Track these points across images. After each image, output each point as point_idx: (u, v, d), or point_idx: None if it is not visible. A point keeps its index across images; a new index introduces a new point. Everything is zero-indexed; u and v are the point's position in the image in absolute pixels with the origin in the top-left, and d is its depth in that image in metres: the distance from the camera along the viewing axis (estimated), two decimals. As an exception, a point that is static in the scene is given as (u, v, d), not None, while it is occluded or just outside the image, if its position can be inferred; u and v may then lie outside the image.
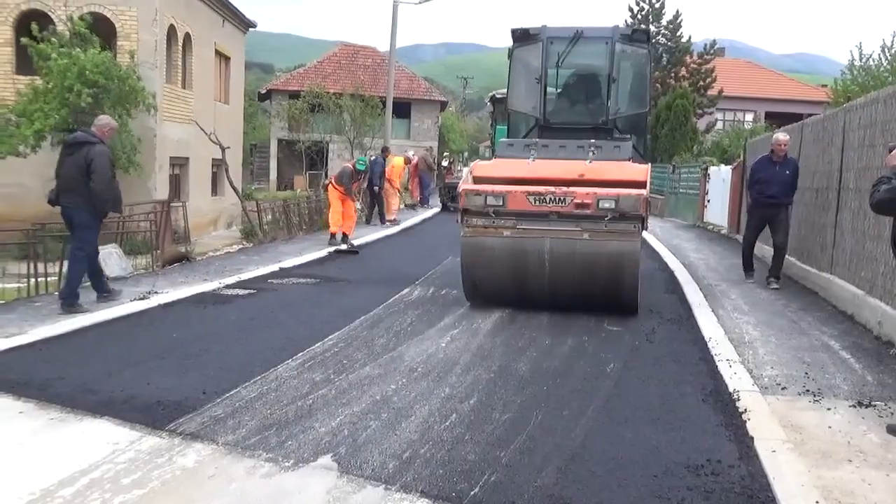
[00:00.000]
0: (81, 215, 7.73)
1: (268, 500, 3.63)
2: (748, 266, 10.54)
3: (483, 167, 8.91)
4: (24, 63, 16.97)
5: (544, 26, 9.64)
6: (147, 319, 7.62)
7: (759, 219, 10.12)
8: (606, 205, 7.48)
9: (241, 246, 15.72)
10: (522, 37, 9.75)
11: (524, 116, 10.05)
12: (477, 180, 8.35)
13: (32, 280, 9.72)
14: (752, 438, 4.47)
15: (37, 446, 4.30)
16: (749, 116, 41.79)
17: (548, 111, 9.55)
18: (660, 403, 5.22)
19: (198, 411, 4.80)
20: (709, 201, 20.40)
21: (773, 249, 10.05)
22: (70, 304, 7.65)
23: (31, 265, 9.87)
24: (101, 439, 4.34)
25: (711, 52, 37.20)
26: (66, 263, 8.44)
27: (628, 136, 9.17)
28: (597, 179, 7.89)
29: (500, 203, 7.74)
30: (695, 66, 36.12)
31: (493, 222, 7.82)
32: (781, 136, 10.08)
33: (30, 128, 13.90)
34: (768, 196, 9.77)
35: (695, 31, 47.23)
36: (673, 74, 36.03)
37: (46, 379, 5.46)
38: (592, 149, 8.42)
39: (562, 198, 7.58)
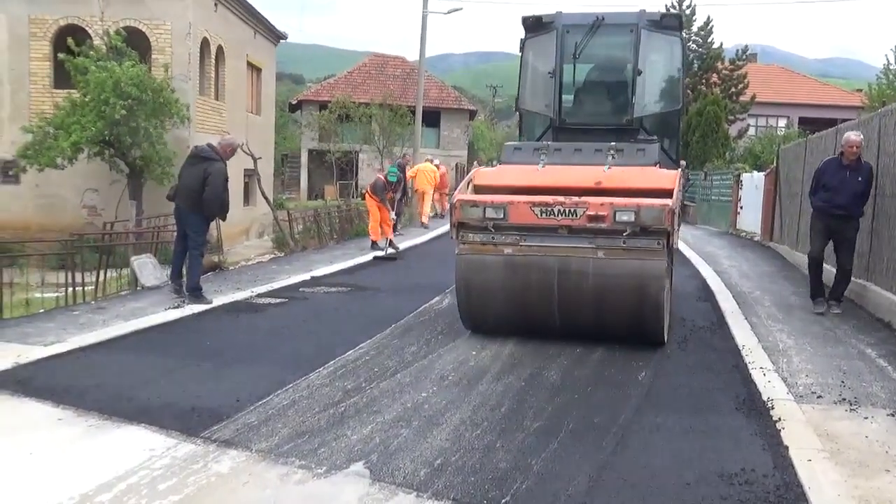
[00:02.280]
0: (192, 218, 8.88)
1: (301, 507, 3.67)
2: (817, 291, 8.70)
3: (485, 175, 7.66)
4: (61, 78, 17.34)
5: (559, 13, 8.44)
6: (181, 328, 7.74)
7: (824, 230, 8.53)
8: (625, 217, 6.27)
9: (272, 255, 15.87)
10: (535, 25, 8.55)
11: (537, 117, 8.86)
12: (478, 189, 7.20)
13: (70, 289, 9.91)
14: (786, 447, 4.42)
15: (76, 453, 4.39)
16: (782, 122, 41.27)
17: (563, 110, 8.35)
18: (692, 412, 5.19)
19: (232, 419, 4.86)
20: (741, 208, 20.20)
21: (835, 268, 8.63)
22: (196, 295, 8.82)
23: (69, 275, 10.08)
24: (137, 446, 4.41)
25: (743, 57, 36.85)
26: (105, 272, 8.80)
27: (655, 138, 7.90)
28: (616, 188, 6.72)
29: (501, 216, 6.57)
30: (727, 72, 35.78)
31: (493, 238, 6.65)
32: (853, 135, 8.30)
33: (67, 140, 14.21)
34: (836, 206, 8.30)
35: (727, 38, 46.60)
36: (704, 81, 35.73)
37: (85, 386, 5.56)
38: (612, 152, 7.20)
39: (572, 209, 6.41)
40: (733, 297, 9.65)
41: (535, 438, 4.58)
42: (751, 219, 18.94)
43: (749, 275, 11.90)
